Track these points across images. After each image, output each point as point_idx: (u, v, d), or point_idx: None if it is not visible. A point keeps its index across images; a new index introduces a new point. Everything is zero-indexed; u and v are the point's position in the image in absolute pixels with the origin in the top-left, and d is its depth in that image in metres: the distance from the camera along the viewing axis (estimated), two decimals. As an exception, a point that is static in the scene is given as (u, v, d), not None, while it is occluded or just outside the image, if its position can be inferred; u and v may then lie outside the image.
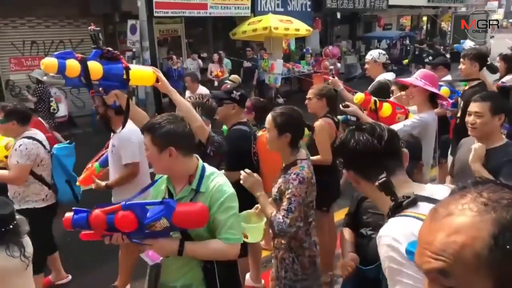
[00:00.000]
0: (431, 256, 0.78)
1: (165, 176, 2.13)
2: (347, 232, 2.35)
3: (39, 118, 7.37)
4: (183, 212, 1.84)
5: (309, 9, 16.20)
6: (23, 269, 2.63)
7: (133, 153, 3.47)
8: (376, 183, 1.41)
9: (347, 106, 3.49)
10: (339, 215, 3.82)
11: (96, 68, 2.31)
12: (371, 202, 2.04)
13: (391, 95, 4.11)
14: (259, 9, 14.25)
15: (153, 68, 2.68)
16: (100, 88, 2.43)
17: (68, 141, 3.88)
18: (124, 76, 2.43)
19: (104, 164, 3.73)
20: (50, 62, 2.16)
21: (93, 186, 3.58)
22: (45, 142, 3.64)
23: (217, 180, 2.03)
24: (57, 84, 2.75)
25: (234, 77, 7.08)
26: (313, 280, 2.70)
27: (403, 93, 3.80)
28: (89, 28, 2.55)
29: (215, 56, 12.36)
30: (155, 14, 11.76)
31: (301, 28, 13.63)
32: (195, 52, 13.27)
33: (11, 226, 2.54)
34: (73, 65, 2.21)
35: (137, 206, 1.83)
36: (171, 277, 2.12)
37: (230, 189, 2.03)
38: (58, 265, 4.04)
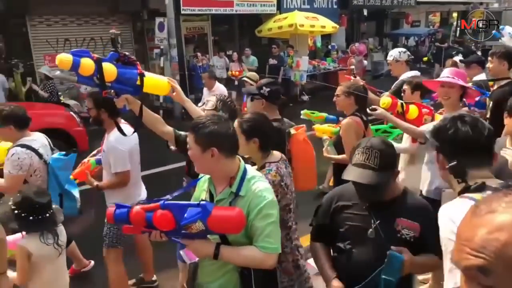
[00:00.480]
0: (471, 253, 0.75)
1: (208, 175, 2.11)
2: (320, 248, 2.25)
3: (71, 113, 7.63)
4: (219, 217, 1.81)
5: (335, 6, 16.09)
6: (55, 256, 2.78)
7: (123, 161, 3.34)
8: (447, 166, 1.64)
9: (375, 109, 3.42)
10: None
11: (110, 70, 2.34)
12: (348, 213, 2.09)
13: (402, 94, 4.06)
14: (285, 6, 14.27)
15: (169, 79, 2.74)
16: (112, 91, 2.43)
17: (64, 152, 3.59)
18: (138, 82, 2.45)
19: (100, 162, 3.63)
20: (65, 58, 2.19)
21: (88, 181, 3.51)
22: (43, 150, 3.43)
23: (258, 184, 1.97)
24: (69, 80, 2.81)
25: (252, 74, 7.07)
26: (300, 284, 2.71)
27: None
28: (110, 31, 2.63)
29: (235, 55, 12.45)
30: (182, 12, 11.94)
31: (327, 25, 13.58)
32: (221, 50, 13.40)
33: (47, 215, 2.70)
34: (87, 64, 2.24)
35: (176, 206, 1.84)
36: (207, 278, 2.12)
37: (270, 195, 1.96)
38: (77, 254, 4.11)
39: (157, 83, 2.64)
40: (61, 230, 2.86)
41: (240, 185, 1.96)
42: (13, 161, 3.24)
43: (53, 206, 2.80)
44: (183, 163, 3.22)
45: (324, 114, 5.02)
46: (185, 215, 1.81)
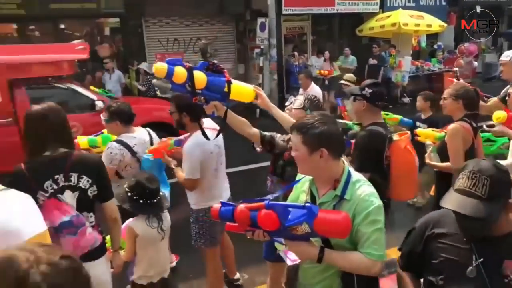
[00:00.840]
0: None
1: (309, 177, 2.06)
2: (409, 279, 1.97)
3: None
4: (325, 220, 1.78)
5: (443, 3, 15.14)
6: (158, 240, 3.01)
7: (192, 171, 3.33)
8: None
9: (492, 126, 3.15)
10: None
11: (201, 78, 2.44)
12: (445, 243, 1.83)
13: (506, 98, 3.68)
14: (388, 4, 13.78)
15: (255, 87, 2.80)
16: (202, 98, 2.52)
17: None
18: (225, 89, 2.54)
19: (178, 144, 3.60)
20: (161, 67, 2.32)
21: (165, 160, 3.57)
22: (139, 147, 3.63)
23: (364, 188, 1.91)
24: (164, 87, 2.90)
25: (349, 76, 6.86)
26: None
27: None
28: (199, 42, 2.77)
29: (326, 54, 12.28)
30: (284, 12, 12.14)
31: (434, 24, 12.82)
32: (320, 49, 13.37)
33: (155, 200, 2.95)
34: (180, 72, 2.35)
35: (280, 206, 1.83)
36: (308, 281, 2.10)
37: (377, 200, 1.89)
38: None
39: (243, 90, 2.71)
40: (166, 216, 3.09)
41: (345, 188, 1.91)
42: (106, 154, 3.53)
43: (160, 193, 3.04)
44: (267, 163, 3.23)
45: (399, 117, 4.76)
46: (290, 216, 1.79)
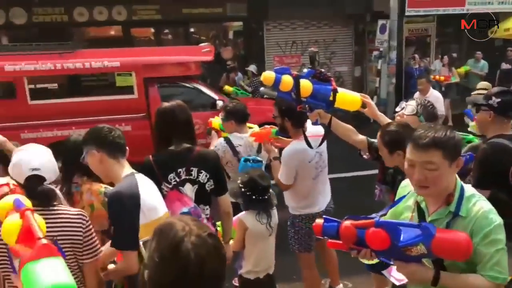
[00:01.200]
0: None
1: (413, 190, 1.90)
2: None
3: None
4: (445, 241, 1.65)
5: None
6: (266, 235, 3.09)
7: (286, 177, 3.37)
8: None
9: None
10: None
11: (306, 86, 2.45)
12: None
13: None
14: (528, 3, 12.37)
15: (362, 95, 2.74)
16: (307, 106, 2.53)
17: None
18: (331, 98, 2.52)
19: (279, 135, 3.59)
20: (269, 75, 2.38)
21: (264, 147, 3.63)
22: (243, 148, 3.77)
23: (482, 204, 1.76)
24: (270, 95, 2.92)
25: (485, 84, 6.25)
26: None
27: None
28: (309, 49, 2.78)
29: (445, 59, 11.38)
30: (407, 13, 11.64)
31: None
32: (444, 53, 12.53)
33: (266, 197, 3.04)
34: (287, 81, 2.38)
35: (391, 225, 1.73)
36: None
37: (497, 218, 1.74)
38: None
39: (348, 98, 2.68)
40: (274, 213, 3.17)
41: (459, 204, 1.77)
42: (212, 147, 3.80)
43: (271, 190, 3.15)
44: (375, 171, 3.15)
45: None
46: (402, 235, 1.68)
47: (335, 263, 3.95)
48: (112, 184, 2.38)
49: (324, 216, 1.86)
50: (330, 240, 1.85)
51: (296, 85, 2.41)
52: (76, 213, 2.11)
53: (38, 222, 1.35)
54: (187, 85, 7.42)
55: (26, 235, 1.34)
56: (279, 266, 3.31)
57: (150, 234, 1.91)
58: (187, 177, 2.73)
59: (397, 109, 3.06)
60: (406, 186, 2.02)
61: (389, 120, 2.87)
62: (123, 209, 2.11)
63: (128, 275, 2.19)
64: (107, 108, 6.63)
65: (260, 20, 12.21)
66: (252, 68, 10.53)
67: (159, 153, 2.79)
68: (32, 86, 6.81)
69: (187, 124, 2.81)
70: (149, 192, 2.26)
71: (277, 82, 2.40)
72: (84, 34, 11.65)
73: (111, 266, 2.28)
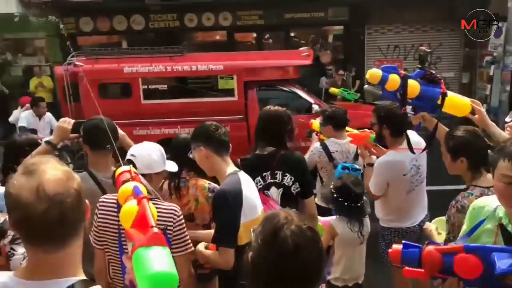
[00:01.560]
0: None
1: (500, 210, 1.80)
2: None
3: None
4: None
5: None
6: (357, 244, 3.04)
7: (377, 187, 3.26)
8: None
9: None
10: None
11: (414, 86, 2.37)
12: None
13: None
14: None
15: (472, 100, 2.59)
16: (410, 107, 2.44)
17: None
18: (438, 102, 2.41)
19: (376, 142, 3.47)
20: (376, 73, 2.33)
21: (359, 151, 3.52)
22: (339, 154, 3.71)
23: None
24: (374, 94, 2.82)
25: None
26: None
27: None
28: (420, 48, 2.65)
29: None
30: (527, 15, 10.57)
31: None
32: None
33: (358, 204, 2.99)
34: (394, 80, 2.31)
35: (483, 249, 1.57)
36: None
37: None
38: None
39: (458, 103, 2.56)
40: (366, 222, 3.10)
41: None
42: (309, 151, 3.86)
43: (364, 198, 3.09)
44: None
45: None
46: (498, 262, 1.51)
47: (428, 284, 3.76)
48: (215, 179, 2.49)
49: (403, 242, 1.70)
50: (406, 268, 1.68)
51: (403, 85, 2.36)
52: (167, 207, 2.21)
53: (151, 211, 1.49)
54: (284, 88, 7.54)
55: (140, 221, 1.45)
56: (370, 276, 3.23)
57: (248, 232, 2.04)
58: (272, 181, 2.79)
59: (507, 119, 2.87)
60: (480, 207, 1.90)
61: (500, 131, 2.66)
62: (227, 208, 2.19)
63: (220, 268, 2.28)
64: (209, 109, 7.01)
65: (362, 24, 11.98)
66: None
67: (247, 157, 2.88)
68: (145, 86, 7.44)
69: (276, 127, 2.85)
70: (250, 191, 2.34)
71: (383, 80, 2.35)
72: (192, 38, 12.43)
73: (201, 247, 2.35)
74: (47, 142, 2.68)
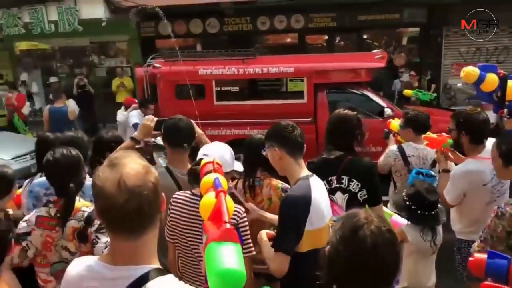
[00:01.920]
0: None
1: None
2: None
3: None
4: None
5: None
6: (429, 253, 2.93)
7: (452, 196, 3.09)
8: None
9: None
10: None
11: None
12: None
13: None
14: None
15: None
16: (506, 110, 2.29)
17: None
18: None
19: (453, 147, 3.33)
20: (471, 71, 2.19)
21: (435, 155, 3.37)
22: (415, 159, 3.61)
23: None
24: (467, 93, 2.65)
25: None
26: None
27: None
28: None
29: None
30: None
31: None
32: None
33: (432, 213, 2.87)
34: (492, 80, 2.18)
35: None
36: None
37: None
38: None
39: None
40: (439, 230, 2.98)
41: None
42: (385, 153, 3.81)
43: (439, 206, 2.96)
44: None
45: None
46: None
47: None
48: (286, 178, 2.46)
49: (488, 250, 1.57)
50: (487, 283, 1.48)
51: (502, 85, 2.24)
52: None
53: (228, 206, 1.53)
54: (356, 91, 7.42)
55: (216, 215, 1.50)
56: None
57: (311, 241, 2.03)
58: (338, 186, 2.73)
59: None
60: None
61: None
62: (292, 215, 2.14)
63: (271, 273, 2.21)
64: (278, 111, 7.02)
65: (440, 25, 11.43)
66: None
67: (313, 161, 2.83)
68: (218, 88, 7.66)
69: (343, 131, 2.79)
70: (321, 199, 2.26)
71: (480, 80, 2.24)
72: (264, 41, 12.58)
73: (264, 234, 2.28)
74: (132, 138, 2.88)
